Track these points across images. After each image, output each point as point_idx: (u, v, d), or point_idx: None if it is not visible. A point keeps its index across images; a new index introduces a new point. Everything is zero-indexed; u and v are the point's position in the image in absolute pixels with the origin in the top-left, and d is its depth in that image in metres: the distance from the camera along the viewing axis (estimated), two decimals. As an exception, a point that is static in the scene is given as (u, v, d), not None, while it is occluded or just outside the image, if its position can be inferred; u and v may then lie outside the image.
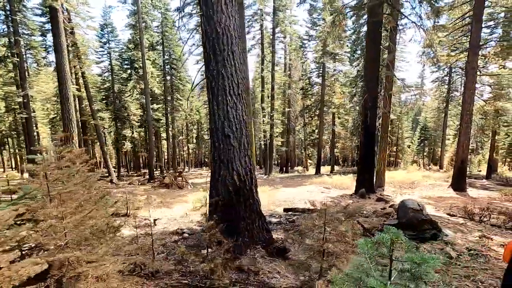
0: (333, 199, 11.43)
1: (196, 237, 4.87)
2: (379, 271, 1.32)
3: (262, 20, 24.38)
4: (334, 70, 25.99)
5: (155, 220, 7.50)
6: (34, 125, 27.27)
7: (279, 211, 9.20)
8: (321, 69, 25.36)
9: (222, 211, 4.41)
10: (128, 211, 8.69)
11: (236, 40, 4.49)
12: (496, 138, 21.02)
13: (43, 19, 20.91)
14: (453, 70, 28.81)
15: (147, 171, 24.82)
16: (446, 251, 4.91)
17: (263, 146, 33.84)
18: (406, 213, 6.23)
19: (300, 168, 37.06)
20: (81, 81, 19.16)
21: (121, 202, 9.43)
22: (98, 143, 25.35)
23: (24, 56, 23.28)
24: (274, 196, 12.31)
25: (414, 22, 10.28)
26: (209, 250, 2.78)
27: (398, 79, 12.20)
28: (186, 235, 5.04)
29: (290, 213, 8.95)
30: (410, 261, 1.22)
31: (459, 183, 14.84)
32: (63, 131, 11.80)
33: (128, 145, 30.87)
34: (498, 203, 11.48)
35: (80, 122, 20.58)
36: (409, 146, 39.18)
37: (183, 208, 10.02)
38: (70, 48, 18.32)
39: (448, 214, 9.13)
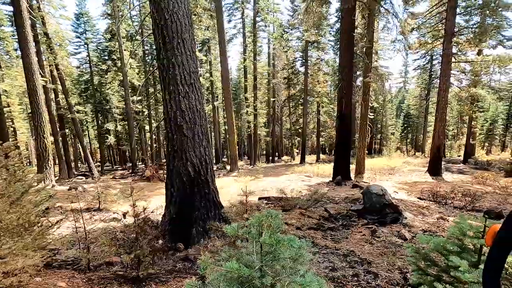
0: (310, 187, 11.57)
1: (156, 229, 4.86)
2: (259, 254, 1.33)
3: (243, 9, 23.91)
4: (317, 59, 25.92)
5: (124, 213, 7.43)
6: (10, 121, 26.34)
7: (254, 200, 9.25)
8: (304, 58, 25.25)
9: (177, 201, 4.40)
10: (100, 205, 8.59)
11: (186, 27, 4.37)
12: (472, 124, 21.61)
13: (12, 8, 19.88)
14: (434, 57, 29.21)
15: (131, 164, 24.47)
16: (401, 233, 5.07)
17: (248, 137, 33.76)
18: (370, 198, 6.38)
19: (287, 157, 37.32)
20: (55, 73, 18.47)
21: (92, 197, 9.33)
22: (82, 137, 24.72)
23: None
24: (253, 186, 12.37)
25: (387, 9, 10.27)
26: (142, 240, 2.77)
27: (373, 67, 12.26)
28: (146, 227, 5.02)
29: (265, 202, 9.01)
30: (264, 242, 1.23)
31: (435, 168, 15.28)
32: (33, 126, 11.43)
33: (111, 139, 30.25)
34: (468, 186, 11.93)
35: (57, 116, 19.96)
36: (393, 134, 39.90)
37: (160, 200, 9.95)
38: (43, 39, 17.59)
39: (419, 198, 9.44)
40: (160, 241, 3.94)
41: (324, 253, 4.07)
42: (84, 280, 2.60)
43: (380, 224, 5.74)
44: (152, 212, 7.91)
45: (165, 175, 4.65)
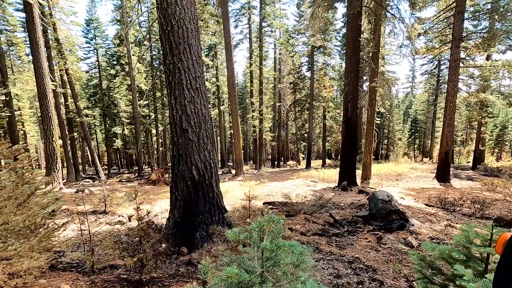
0: (315, 192, 11.49)
1: (161, 232, 4.88)
2: (260, 259, 1.32)
3: (250, 15, 24.14)
4: (323, 64, 25.92)
5: (130, 216, 7.48)
6: (21, 124, 26.93)
7: (259, 205, 9.21)
8: (310, 63, 25.29)
9: (182, 206, 4.41)
10: (106, 208, 8.68)
11: (193, 33, 4.43)
12: (481, 129, 21.24)
13: (24, 15, 20.47)
14: (442, 62, 28.93)
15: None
16: (408, 241, 4.98)
17: (254, 141, 33.73)
18: (376, 204, 6.30)
19: (292, 162, 37.17)
20: (65, 77, 18.87)
21: (98, 200, 9.44)
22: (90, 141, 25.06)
23: (8, 53, 22.92)
24: (258, 190, 12.33)
25: (393, 15, 10.24)
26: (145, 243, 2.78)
27: (379, 72, 12.20)
28: (150, 230, 5.05)
29: (269, 206, 8.97)
30: (264, 248, 1.22)
31: (443, 174, 15.01)
32: (43, 129, 11.64)
33: (118, 142, 30.62)
34: (477, 193, 11.69)
35: (66, 120, 20.32)
36: (400, 139, 39.46)
37: (165, 204, 10.00)
38: (54, 45, 18.02)
39: (426, 204, 9.28)
40: (164, 245, 3.95)
41: (328, 260, 4.01)
42: (88, 283, 2.61)
43: (386, 230, 5.66)
44: (156, 215, 7.99)
45: (171, 179, 4.68)
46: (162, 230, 4.29)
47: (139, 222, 2.80)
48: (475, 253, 1.58)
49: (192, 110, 4.39)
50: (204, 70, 29.08)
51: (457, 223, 6.21)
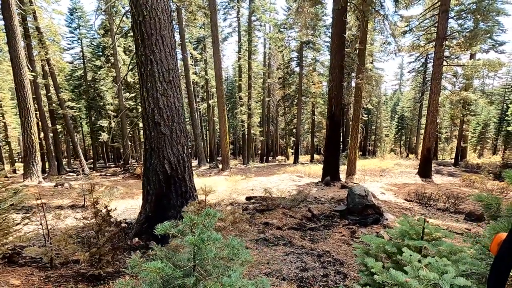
0: (299, 187, 11.58)
1: (132, 227, 4.83)
2: (190, 254, 1.31)
3: (239, 8, 23.84)
4: (312, 59, 25.93)
5: (108, 211, 7.36)
6: (1, 115, 26.03)
7: (241, 200, 9.23)
8: (299, 58, 25.26)
9: (153, 200, 4.36)
10: (85, 203, 8.51)
11: (165, 24, 4.34)
12: (463, 127, 21.80)
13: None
14: (428, 60, 29.38)
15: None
16: (380, 235, 5.08)
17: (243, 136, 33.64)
18: (353, 199, 6.40)
19: (281, 157, 37.34)
20: (47, 68, 18.28)
21: (77, 194, 9.27)
22: (76, 134, 24.45)
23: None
24: (242, 185, 12.34)
25: (377, 11, 10.29)
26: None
27: (367, 69, 12.28)
28: (124, 225, 4.99)
29: (251, 201, 8.99)
30: (187, 242, 1.21)
31: (425, 170, 15.37)
32: (20, 121, 11.29)
33: (105, 136, 30.00)
34: (456, 188, 12.04)
35: (48, 112, 19.76)
36: (387, 135, 40.12)
37: (147, 198, 9.88)
38: (35, 34, 17.39)
39: (405, 199, 9.50)
40: (135, 240, 3.91)
41: (298, 253, 4.06)
42: (41, 278, 2.56)
43: (361, 225, 5.76)
44: (134, 210, 7.90)
45: (143, 173, 4.60)
46: (133, 225, 4.24)
47: (96, 216, 2.75)
48: (409, 245, 1.62)
49: (164, 103, 4.32)
50: (192, 64, 28.61)
51: (430, 218, 6.39)
